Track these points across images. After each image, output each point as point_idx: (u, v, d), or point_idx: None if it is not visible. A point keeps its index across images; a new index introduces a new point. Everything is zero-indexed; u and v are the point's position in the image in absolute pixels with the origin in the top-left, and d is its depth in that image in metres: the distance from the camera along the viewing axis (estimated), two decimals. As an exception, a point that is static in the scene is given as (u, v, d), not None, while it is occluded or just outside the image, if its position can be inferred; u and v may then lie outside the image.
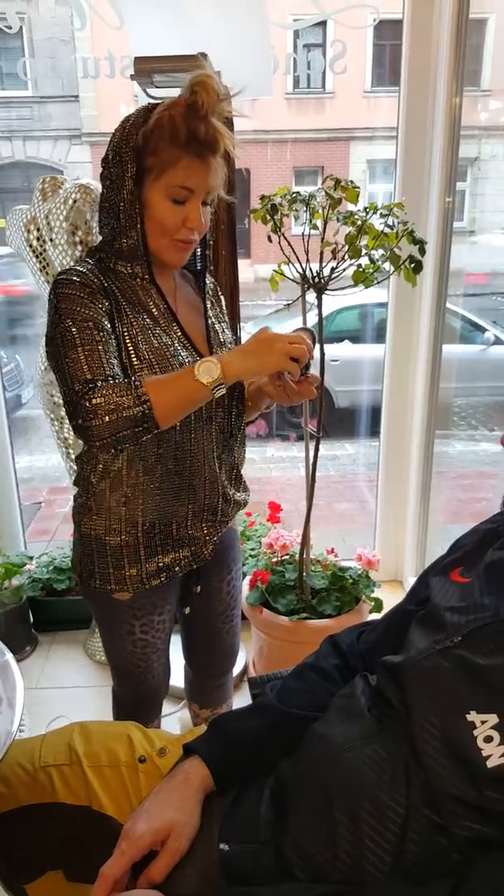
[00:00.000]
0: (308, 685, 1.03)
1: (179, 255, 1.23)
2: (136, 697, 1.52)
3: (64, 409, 1.16)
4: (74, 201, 1.84)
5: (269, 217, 1.66)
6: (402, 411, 2.64)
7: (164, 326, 1.23)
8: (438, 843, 0.74)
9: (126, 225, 1.18)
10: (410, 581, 2.76)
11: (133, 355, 1.17)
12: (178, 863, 0.86)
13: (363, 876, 0.76)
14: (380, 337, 2.97)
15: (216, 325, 1.35)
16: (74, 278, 1.16)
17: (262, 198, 1.66)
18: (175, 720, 2.09)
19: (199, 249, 1.35)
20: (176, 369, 1.18)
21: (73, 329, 1.13)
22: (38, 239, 1.92)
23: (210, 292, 1.40)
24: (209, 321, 1.34)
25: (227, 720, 1.04)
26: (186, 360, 1.22)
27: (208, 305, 1.36)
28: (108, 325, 1.16)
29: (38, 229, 1.91)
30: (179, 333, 1.25)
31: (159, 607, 1.37)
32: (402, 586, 2.81)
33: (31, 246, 1.93)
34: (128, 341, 1.18)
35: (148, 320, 1.21)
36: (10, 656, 1.21)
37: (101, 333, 1.14)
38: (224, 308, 1.44)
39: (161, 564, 1.30)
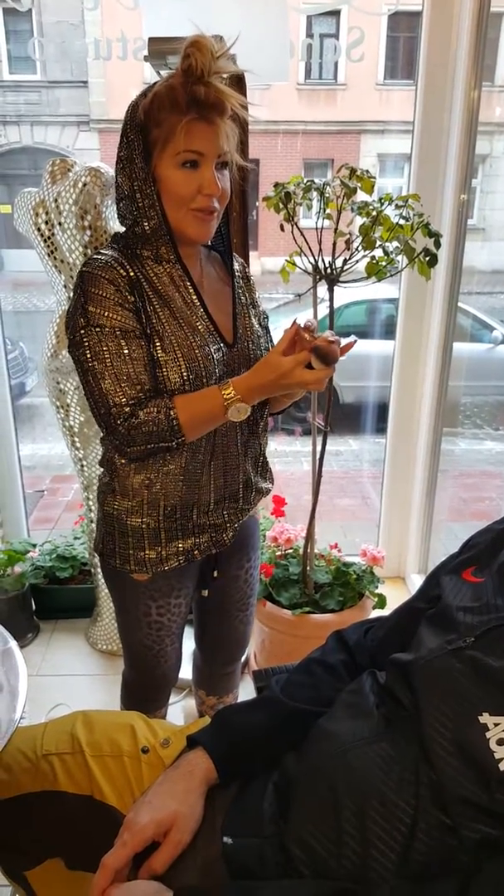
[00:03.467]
0: (314, 680, 1.02)
1: (202, 226, 1.18)
2: (147, 683, 1.52)
3: (95, 421, 1.20)
4: (84, 184, 1.82)
5: (282, 205, 1.64)
6: (409, 408, 2.62)
7: (189, 317, 1.21)
8: (447, 843, 0.73)
9: (145, 205, 1.15)
10: (414, 578, 2.75)
11: (159, 348, 1.17)
12: (180, 855, 0.86)
13: (369, 874, 0.75)
14: (387, 333, 2.95)
15: (244, 314, 1.31)
16: (102, 276, 1.14)
17: (276, 185, 1.64)
18: (179, 709, 2.09)
19: (222, 228, 1.31)
20: (200, 362, 1.19)
21: (102, 344, 1.14)
22: (46, 223, 1.89)
23: (238, 274, 1.35)
24: (238, 300, 1.30)
25: (231, 712, 1.03)
26: (212, 353, 1.21)
27: (238, 292, 1.32)
28: (137, 326, 1.16)
29: (47, 213, 1.88)
30: (207, 322, 1.23)
31: (176, 590, 1.37)
32: (406, 583, 2.80)
33: (39, 230, 1.91)
34: (154, 334, 1.17)
35: (174, 309, 1.20)
36: (13, 644, 1.20)
37: (132, 342, 1.15)
38: (255, 292, 1.39)
39: (180, 548, 1.31)
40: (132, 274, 1.17)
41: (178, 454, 1.25)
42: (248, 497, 1.38)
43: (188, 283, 1.22)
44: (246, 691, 1.85)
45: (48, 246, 1.93)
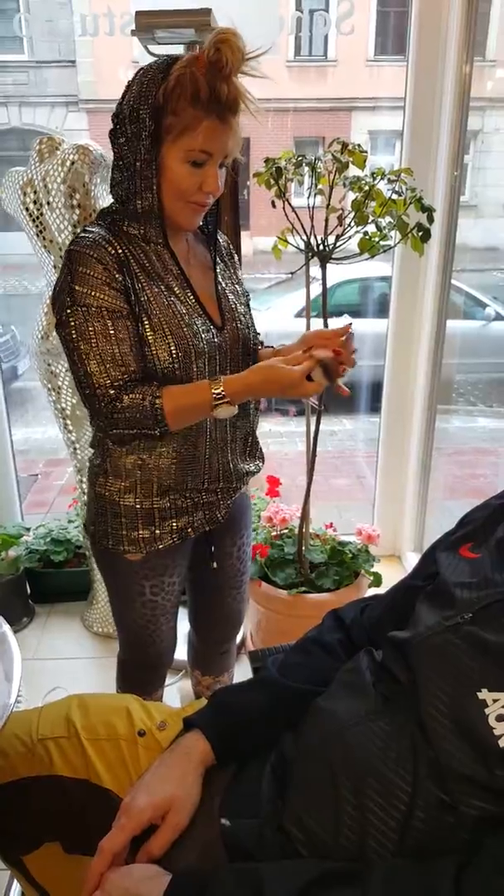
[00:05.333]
0: (311, 659, 1.02)
1: (194, 217, 1.21)
2: (143, 663, 1.52)
3: (80, 399, 1.19)
4: (72, 163, 1.79)
5: (273, 181, 1.61)
6: (403, 386, 2.60)
7: (178, 294, 1.21)
8: (446, 821, 0.72)
9: (142, 186, 1.14)
10: (409, 556, 2.75)
11: (147, 326, 1.16)
12: (178, 838, 0.85)
13: (368, 853, 0.74)
14: (381, 311, 2.93)
15: (227, 290, 1.32)
16: (90, 254, 1.13)
17: (267, 160, 1.61)
18: (175, 690, 2.09)
19: (212, 209, 1.30)
20: (189, 340, 1.18)
21: (88, 324, 1.12)
22: (34, 202, 1.86)
23: (223, 251, 1.36)
24: (219, 286, 1.30)
25: (227, 694, 1.02)
26: (200, 329, 1.21)
27: (219, 269, 1.33)
28: (125, 306, 1.15)
29: (35, 192, 1.85)
30: (193, 300, 1.23)
31: (170, 569, 1.37)
32: (401, 561, 2.81)
33: (27, 210, 1.88)
34: (142, 312, 1.16)
35: (162, 287, 1.19)
36: (6, 628, 1.19)
37: (118, 322, 1.14)
38: (238, 268, 1.40)
39: (174, 526, 1.31)
40: (120, 251, 1.16)
41: (168, 436, 1.24)
42: (240, 475, 1.37)
43: (175, 267, 1.21)
44: (242, 672, 1.85)
45: (37, 226, 1.90)
